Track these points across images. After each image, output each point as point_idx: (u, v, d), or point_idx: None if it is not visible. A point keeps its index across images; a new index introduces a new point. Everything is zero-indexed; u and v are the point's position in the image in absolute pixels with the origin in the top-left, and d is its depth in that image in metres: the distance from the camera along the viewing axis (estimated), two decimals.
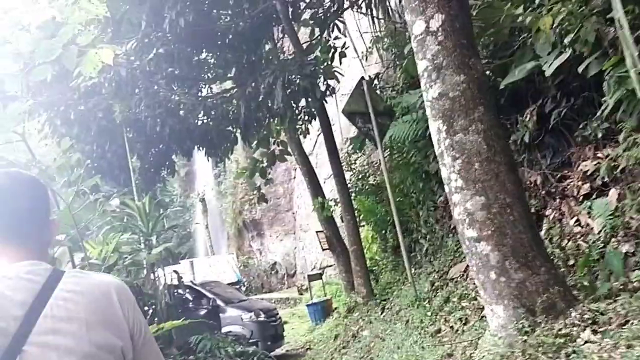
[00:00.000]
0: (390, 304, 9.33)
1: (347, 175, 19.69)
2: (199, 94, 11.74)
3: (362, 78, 8.16)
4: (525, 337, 3.98)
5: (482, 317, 5.43)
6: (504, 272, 4.14)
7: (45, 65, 5.11)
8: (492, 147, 4.26)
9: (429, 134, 8.31)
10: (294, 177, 26.09)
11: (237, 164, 27.56)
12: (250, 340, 9.56)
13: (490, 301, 4.26)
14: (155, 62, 9.50)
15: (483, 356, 4.41)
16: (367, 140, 10.56)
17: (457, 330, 5.65)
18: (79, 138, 10.66)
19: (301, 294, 21.59)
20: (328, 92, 10.34)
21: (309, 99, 10.88)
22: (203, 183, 28.86)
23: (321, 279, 17.91)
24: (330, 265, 22.78)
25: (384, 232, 13.25)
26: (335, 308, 16.41)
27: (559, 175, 6.36)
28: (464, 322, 5.67)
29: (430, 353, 5.50)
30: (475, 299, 6.03)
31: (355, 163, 17.67)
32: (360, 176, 16.09)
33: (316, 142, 25.40)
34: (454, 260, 7.76)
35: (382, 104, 8.09)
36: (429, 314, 6.79)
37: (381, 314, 9.42)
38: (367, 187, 14.35)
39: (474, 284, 6.43)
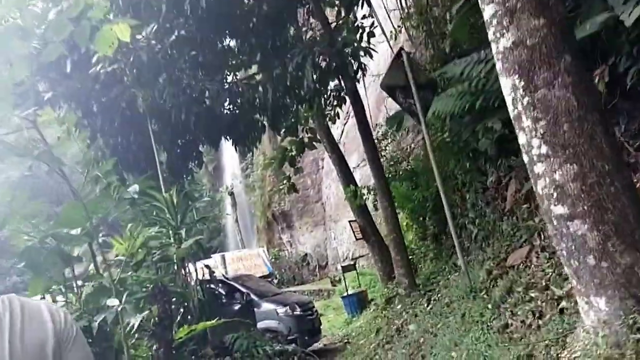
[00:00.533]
0: (437, 296, 8.51)
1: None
2: (224, 81, 11.04)
3: (402, 49, 7.32)
4: (638, 336, 3.15)
5: (562, 310, 4.60)
6: (606, 255, 3.30)
7: (57, 44, 4.44)
8: (584, 104, 3.41)
9: (478, 107, 7.49)
10: (322, 168, 25.36)
11: (264, 156, 26.97)
12: (289, 338, 8.90)
13: (587, 292, 3.43)
14: (177, 46, 8.82)
15: (576, 357, 3.59)
16: (402, 122, 9.73)
17: (531, 325, 4.82)
18: (103, 131, 10.09)
19: (334, 286, 20.89)
20: (360, 71, 9.53)
21: (341, 79, 10.11)
22: (231, 177, 28.35)
23: (355, 269, 17.15)
24: (363, 256, 22.03)
25: (421, 219, 12.42)
26: (372, 300, 15.66)
27: (637, 144, 5.46)
28: (537, 315, 4.83)
29: (501, 352, 4.69)
30: (547, 289, 5.18)
31: (385, 149, 16.88)
32: (392, 162, 15.26)
33: (342, 131, 24.63)
34: (512, 246, 6.89)
35: (423, 76, 7.24)
36: (489, 306, 5.96)
37: (427, 306, 8.61)
38: (400, 172, 13.54)
39: (543, 271, 5.60)
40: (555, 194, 3.46)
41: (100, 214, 4.06)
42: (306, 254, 25.03)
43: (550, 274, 5.34)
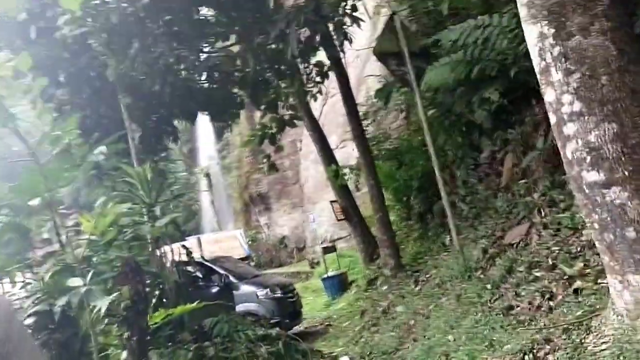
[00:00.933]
0: (426, 276, 8.12)
1: None
2: (201, 52, 10.36)
3: (394, 13, 6.80)
4: None
5: (576, 290, 4.21)
6: None
7: None
8: (625, 53, 2.96)
9: (475, 77, 7.03)
10: (300, 149, 24.78)
11: (241, 137, 26.24)
12: (272, 321, 8.43)
13: (623, 269, 3.01)
14: (150, 9, 8.10)
15: (605, 342, 3.18)
16: (390, 95, 9.25)
17: (540, 307, 4.41)
18: (71, 103, 9.35)
19: (313, 268, 20.47)
20: (346, 42, 8.97)
21: (325, 51, 9.55)
22: (207, 158, 27.57)
23: (335, 251, 16.74)
24: (342, 238, 21.62)
25: (405, 199, 12.03)
26: (352, 282, 15.29)
27: None
28: (547, 297, 4.43)
29: (509, 336, 4.27)
30: (555, 268, 4.79)
31: (366, 129, 16.41)
32: (375, 142, 14.80)
33: (321, 112, 24.03)
34: (508, 224, 6.51)
35: (417, 43, 6.74)
36: (488, 286, 5.56)
37: (415, 287, 8.22)
38: (383, 152, 13.09)
39: (548, 249, 5.20)
40: (588, 158, 3.01)
41: (62, 182, 3.47)
42: (284, 237, 24.52)
43: (557, 252, 4.94)
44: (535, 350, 3.70)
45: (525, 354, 3.75)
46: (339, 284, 14.90)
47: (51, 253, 3.91)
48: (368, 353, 7.24)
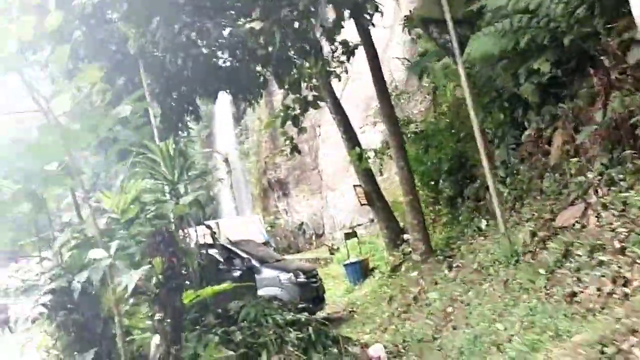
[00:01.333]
0: (460, 262, 7.62)
1: (383, 126, 17.92)
2: (224, 27, 9.87)
3: None
4: None
5: None
6: None
7: None
8: None
9: (521, 47, 6.47)
10: (319, 135, 24.26)
11: (260, 122, 25.80)
12: (299, 306, 7.99)
13: None
14: None
15: None
16: (425, 69, 8.70)
17: (612, 294, 3.90)
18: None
19: (332, 254, 20.01)
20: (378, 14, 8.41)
21: (356, 22, 9.01)
22: (225, 144, 27.16)
23: (356, 236, 16.29)
24: (361, 224, 21.15)
25: (432, 182, 11.52)
26: (374, 268, 14.84)
27: None
28: (621, 283, 3.92)
29: (580, 325, 3.78)
30: (624, 251, 4.27)
31: None
32: (400, 124, 14.29)
33: (341, 97, 23.45)
34: (557, 205, 5.97)
35: (461, 9, 6.19)
36: (541, 271, 5.05)
37: (449, 272, 7.73)
38: (409, 135, 12.56)
39: (612, 231, 4.66)
40: None
41: (82, 143, 3.03)
42: (302, 223, 24.08)
43: (625, 233, 4.42)
44: (617, 342, 3.21)
45: (604, 345, 3.26)
46: (360, 270, 14.44)
47: (68, 224, 3.48)
48: (401, 341, 6.78)
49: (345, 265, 14.88)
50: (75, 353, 2.91)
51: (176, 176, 7.03)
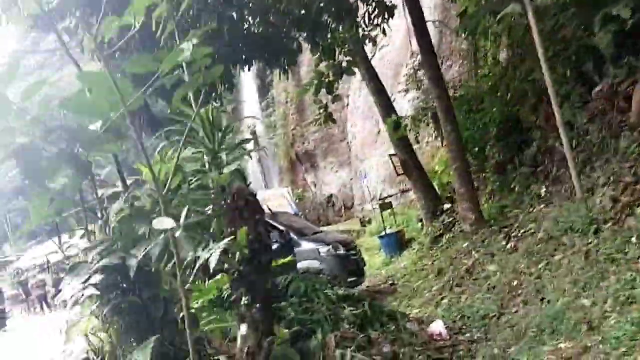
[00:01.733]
0: (520, 232, 7.04)
1: (413, 94, 17.16)
2: None
3: None
4: None
5: None
6: None
7: None
8: None
9: None
10: (347, 105, 23.56)
11: (286, 94, 25.21)
12: (349, 280, 7.57)
13: None
14: None
15: None
16: (479, 24, 7.99)
17: None
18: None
19: (363, 226, 19.57)
20: None
21: None
22: (251, 116, 26.66)
23: (391, 207, 15.75)
24: (391, 196, 20.55)
25: (477, 149, 10.85)
26: (409, 239, 14.33)
27: None
28: None
29: None
30: None
31: (421, 79, 15.18)
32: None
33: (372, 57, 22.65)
34: (638, 167, 5.34)
35: None
36: (633, 240, 4.47)
37: (506, 244, 7.17)
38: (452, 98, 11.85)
39: None
40: None
41: (135, 94, 2.52)
42: (331, 195, 23.62)
43: None
44: None
45: None
46: (396, 242, 13.96)
47: (117, 193, 3.02)
48: (459, 317, 6.29)
49: (380, 237, 14.42)
50: (132, 340, 2.48)
51: (217, 144, 6.56)
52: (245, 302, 2.66)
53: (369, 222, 19.50)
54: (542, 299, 5.06)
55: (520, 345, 4.57)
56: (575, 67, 6.48)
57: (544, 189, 7.26)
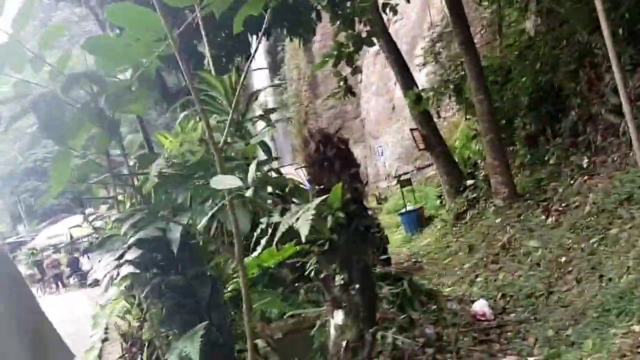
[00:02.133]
0: (562, 205, 6.59)
1: (429, 68, 16.54)
2: None
3: None
4: None
5: None
6: None
7: None
8: None
9: None
10: (360, 81, 22.93)
11: (298, 70, 24.64)
12: (381, 258, 7.18)
13: None
14: None
15: None
16: None
17: None
18: None
19: (380, 203, 19.13)
20: None
21: None
22: (263, 94, 26.12)
23: (411, 184, 15.29)
24: (407, 173, 20.05)
25: (503, 121, 10.33)
26: (429, 217, 13.90)
27: None
28: None
29: None
30: None
31: (440, 52, 14.55)
32: (459, 63, 12.96)
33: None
34: None
35: None
36: None
37: (546, 218, 6.72)
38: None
39: None
40: None
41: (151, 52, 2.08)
42: None
43: None
44: None
45: None
46: (417, 219, 13.53)
47: (146, 155, 2.60)
48: (499, 295, 5.89)
49: (401, 214, 13.97)
50: (174, 327, 2.08)
51: (241, 113, 6.14)
52: (342, 280, 2.13)
53: (385, 199, 19.06)
54: (600, 277, 4.63)
55: (580, 327, 4.17)
56: (626, 27, 5.94)
57: (586, 160, 6.77)
